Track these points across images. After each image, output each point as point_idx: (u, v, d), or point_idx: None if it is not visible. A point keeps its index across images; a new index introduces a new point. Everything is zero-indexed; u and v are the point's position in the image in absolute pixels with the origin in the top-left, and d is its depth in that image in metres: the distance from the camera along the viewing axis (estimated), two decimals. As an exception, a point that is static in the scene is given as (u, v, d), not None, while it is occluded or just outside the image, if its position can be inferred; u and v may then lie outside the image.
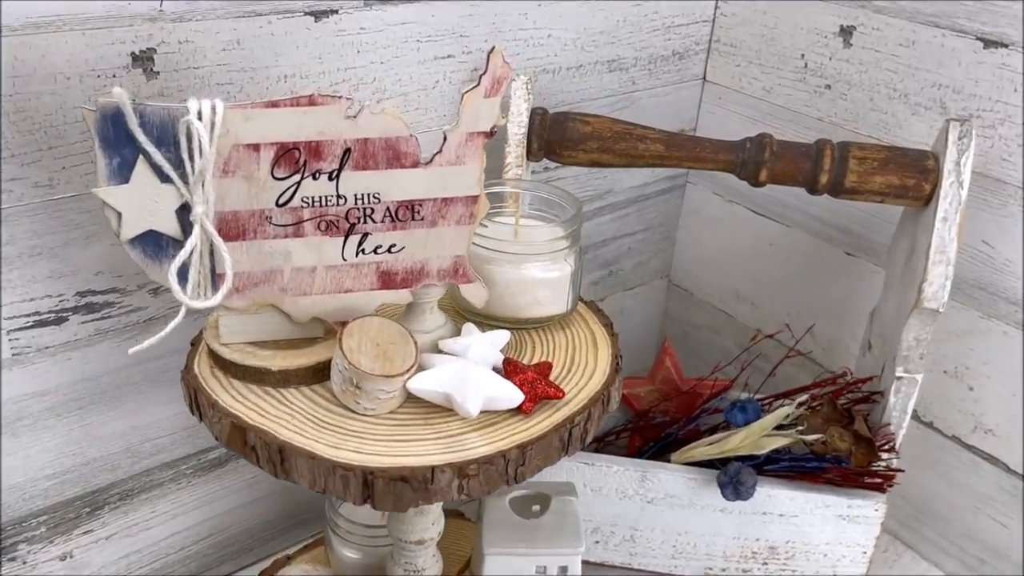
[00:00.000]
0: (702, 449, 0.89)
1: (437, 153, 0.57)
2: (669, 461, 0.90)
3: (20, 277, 0.68)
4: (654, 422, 0.96)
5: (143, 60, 0.67)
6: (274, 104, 0.53)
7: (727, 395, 0.96)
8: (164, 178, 0.54)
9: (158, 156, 0.52)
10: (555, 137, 0.81)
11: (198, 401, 0.59)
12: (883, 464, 0.84)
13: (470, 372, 0.57)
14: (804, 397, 0.86)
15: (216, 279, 0.57)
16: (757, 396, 0.92)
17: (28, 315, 0.69)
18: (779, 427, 0.86)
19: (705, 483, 0.87)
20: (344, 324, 0.59)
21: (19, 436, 0.73)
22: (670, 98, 1.06)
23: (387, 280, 0.61)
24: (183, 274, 0.56)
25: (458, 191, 0.59)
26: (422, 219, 0.59)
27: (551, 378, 0.62)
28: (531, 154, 0.83)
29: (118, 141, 0.52)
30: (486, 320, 0.67)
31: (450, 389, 0.57)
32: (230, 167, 0.54)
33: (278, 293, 0.59)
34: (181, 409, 0.81)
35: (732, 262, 1.12)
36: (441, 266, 0.61)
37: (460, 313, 0.69)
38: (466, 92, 0.56)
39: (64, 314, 0.71)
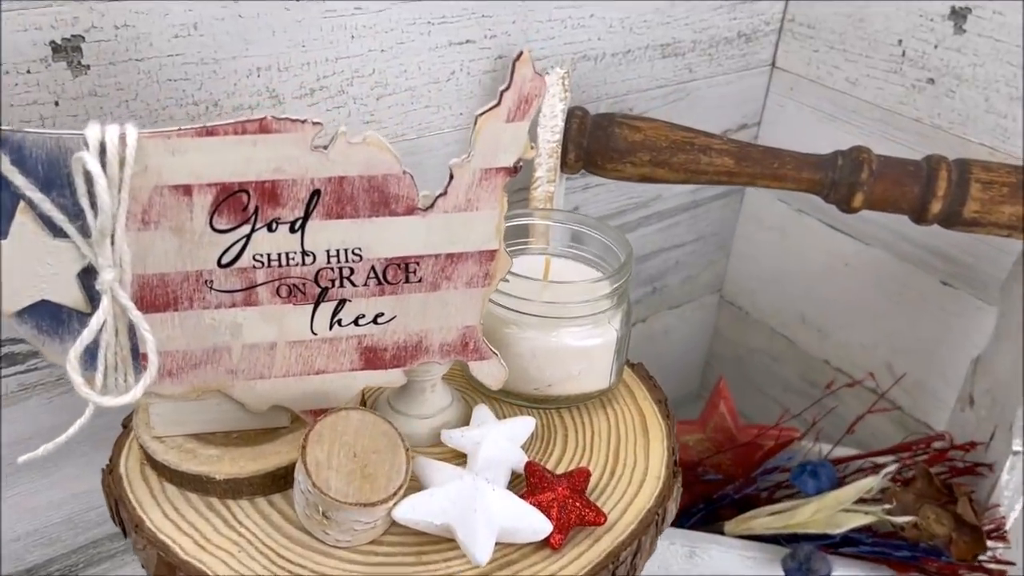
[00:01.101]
0: (764, 520, 0.74)
1: (441, 195, 0.42)
2: (722, 532, 0.75)
3: (-84, 326, 0.53)
4: (704, 479, 0.81)
5: (67, 51, 0.51)
6: (211, 131, 0.38)
7: (793, 449, 0.80)
8: (57, 231, 0.38)
9: (46, 204, 0.37)
10: (597, 146, 0.65)
11: (120, 515, 0.45)
12: (991, 555, 0.68)
13: (480, 495, 0.42)
14: (893, 467, 0.70)
15: (139, 360, 0.43)
16: (831, 454, 0.77)
17: (-70, 371, 0.55)
18: (860, 499, 0.71)
19: (767, 563, 0.72)
20: (316, 414, 0.45)
21: (-71, 511, 0.59)
22: (732, 88, 0.89)
23: (372, 358, 0.45)
24: (91, 357, 0.41)
25: (469, 245, 0.43)
26: (419, 281, 0.44)
27: (588, 489, 0.46)
28: (566, 165, 0.67)
29: (-10, 182, 0.37)
30: (504, 398, 0.52)
31: (452, 521, 0.42)
32: (151, 216, 0.39)
33: (225, 376, 0.44)
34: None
35: (798, 281, 0.95)
36: (445, 340, 0.46)
37: (472, 386, 0.53)
38: (481, 114, 0.41)
39: (-22, 368, 0.57)
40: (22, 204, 0.38)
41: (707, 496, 0.80)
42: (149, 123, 0.56)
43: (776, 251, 0.96)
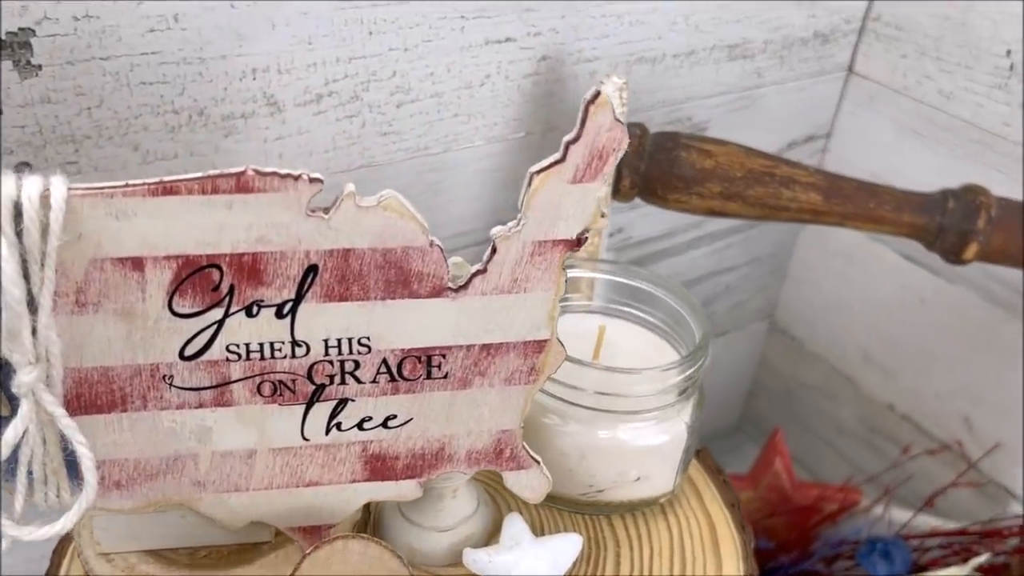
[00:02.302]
0: (825, 605, 0.64)
1: (479, 273, 0.31)
2: (776, 614, 0.65)
3: None
4: (756, 546, 0.71)
5: (13, 47, 0.41)
6: (169, 189, 0.28)
7: (857, 515, 0.70)
8: (-39, 317, 0.28)
9: (-61, 283, 0.27)
10: (658, 172, 0.54)
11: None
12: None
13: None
14: (984, 557, 0.60)
15: (77, 471, 0.33)
16: (903, 529, 0.67)
17: None
18: (940, 589, 0.61)
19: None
20: (307, 533, 0.35)
21: None
22: (802, 95, 0.77)
23: (380, 467, 0.35)
24: (10, 471, 0.31)
25: (511, 334, 0.33)
26: (445, 377, 0.33)
27: (649, 640, 0.37)
28: (619, 193, 0.56)
29: None
30: (544, 501, 0.42)
31: None
32: (88, 296, 0.29)
33: (190, 489, 0.34)
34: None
35: (863, 314, 0.85)
36: (474, 446, 0.36)
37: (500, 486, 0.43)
38: (539, 172, 0.30)
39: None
40: (-93, 282, 0.27)
41: (759, 566, 0.70)
42: (118, 135, 0.46)
43: (840, 279, 0.85)
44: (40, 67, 0.42)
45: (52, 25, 0.42)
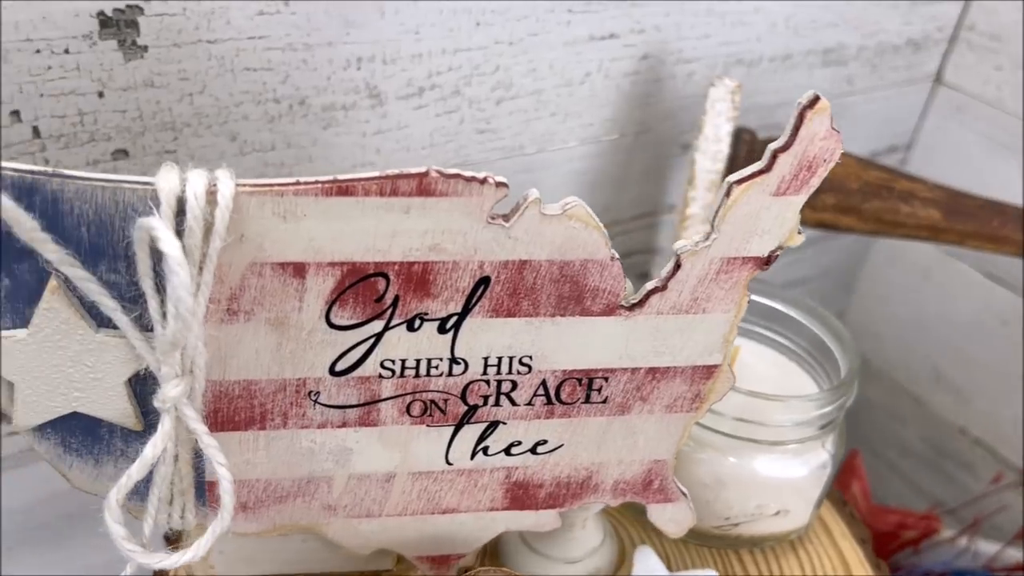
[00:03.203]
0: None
1: (657, 290, 0.29)
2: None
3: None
4: None
5: (119, 26, 0.38)
6: (345, 189, 0.25)
7: (938, 545, 0.67)
8: (103, 321, 0.26)
9: (89, 285, 0.24)
10: (768, 182, 0.51)
11: None
12: None
13: None
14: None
15: (205, 492, 0.30)
16: (992, 562, 0.64)
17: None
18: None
19: None
20: (436, 563, 0.32)
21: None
22: (888, 104, 0.75)
23: (521, 496, 0.33)
24: (138, 490, 0.28)
25: (681, 357, 0.30)
26: (604, 402, 0.31)
27: None
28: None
29: (6, 248, 0.24)
30: (670, 531, 0.39)
31: None
32: (242, 304, 0.26)
33: (320, 513, 0.32)
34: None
35: (937, 332, 0.82)
36: (623, 476, 0.33)
37: (622, 513, 0.41)
38: (739, 181, 0.27)
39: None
40: (53, 282, 0.24)
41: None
42: (217, 124, 0.43)
43: (915, 296, 0.82)
44: (146, 48, 0.39)
45: (161, 4, 0.39)
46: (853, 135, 0.74)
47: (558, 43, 0.52)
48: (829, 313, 0.40)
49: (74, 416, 0.27)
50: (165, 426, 0.26)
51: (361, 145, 0.48)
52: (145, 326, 0.26)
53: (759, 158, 0.51)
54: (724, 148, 0.52)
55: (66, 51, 0.38)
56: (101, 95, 0.39)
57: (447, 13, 0.47)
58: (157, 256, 0.24)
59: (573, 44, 0.52)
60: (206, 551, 0.28)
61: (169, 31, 0.39)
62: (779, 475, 0.37)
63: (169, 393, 0.26)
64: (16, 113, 0.38)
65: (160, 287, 0.25)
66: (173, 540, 0.33)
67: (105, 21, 0.38)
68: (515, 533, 0.38)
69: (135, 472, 0.26)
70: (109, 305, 0.25)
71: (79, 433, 0.28)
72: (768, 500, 0.38)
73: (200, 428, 0.27)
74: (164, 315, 0.25)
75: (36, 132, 0.39)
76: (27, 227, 0.22)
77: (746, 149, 0.52)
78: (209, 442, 0.27)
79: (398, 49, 0.46)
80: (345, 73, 0.45)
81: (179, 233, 0.24)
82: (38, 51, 0.37)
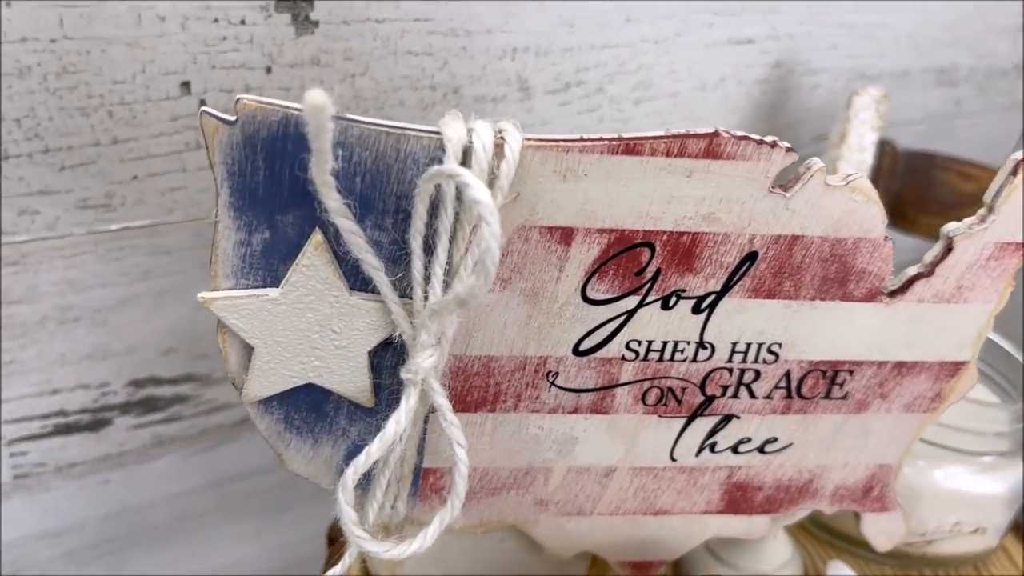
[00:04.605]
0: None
1: (922, 276, 0.27)
2: None
3: (39, 356, 0.39)
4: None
5: (295, -2, 0.37)
6: (632, 148, 0.23)
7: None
8: (361, 284, 0.24)
9: (358, 239, 0.22)
10: (912, 194, 0.50)
11: None
12: None
13: None
14: None
15: (419, 481, 0.28)
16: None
17: (45, 416, 0.40)
18: None
19: None
20: (637, 569, 0.30)
21: (16, 592, 0.44)
22: (990, 129, 0.73)
23: (738, 499, 0.30)
24: (367, 478, 0.26)
25: (930, 352, 0.28)
26: (843, 398, 0.29)
27: None
28: (861, 214, 0.51)
29: (270, 195, 0.22)
30: (844, 544, 0.37)
31: None
32: (501, 271, 0.24)
33: (531, 508, 0.29)
34: (268, 546, 0.52)
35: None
36: (844, 481, 0.31)
37: (803, 529, 0.38)
38: (1027, 160, 0.26)
39: (106, 414, 0.42)
40: (318, 236, 0.23)
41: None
42: (374, 108, 0.41)
43: None
44: (317, 24, 0.38)
45: (336, -21, 0.37)
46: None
47: (699, 44, 0.50)
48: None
49: (303, 390, 0.25)
50: (411, 400, 0.24)
51: (505, 139, 0.46)
52: (403, 292, 0.24)
53: (901, 171, 0.50)
54: (868, 158, 0.50)
55: (242, 22, 0.36)
56: (269, 71, 0.38)
57: (601, 7, 0.45)
58: (434, 215, 0.22)
59: (712, 47, 0.51)
60: (432, 541, 0.26)
61: (341, 7, 0.38)
62: (978, 491, 0.35)
63: (423, 363, 0.24)
64: (187, 85, 0.36)
65: (428, 245, 0.23)
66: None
67: (283, -10, 0.36)
68: (701, 544, 0.35)
69: (375, 450, 0.24)
70: (373, 264, 0.23)
71: (304, 409, 0.26)
72: (967, 517, 0.35)
73: (445, 404, 0.25)
74: (428, 278, 0.23)
75: (202, 105, 0.37)
76: (325, 163, 0.20)
77: (888, 161, 0.50)
78: (452, 420, 0.25)
79: (552, 41, 0.45)
80: (500, 63, 0.44)
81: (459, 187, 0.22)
82: (216, 20, 0.35)
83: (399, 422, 0.24)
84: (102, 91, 0.34)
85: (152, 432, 0.44)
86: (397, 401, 0.24)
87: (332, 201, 0.21)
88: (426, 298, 0.23)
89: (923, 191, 0.50)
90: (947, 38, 0.63)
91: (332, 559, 0.34)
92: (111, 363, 0.41)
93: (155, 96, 0.36)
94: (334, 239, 0.23)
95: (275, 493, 0.50)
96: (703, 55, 0.51)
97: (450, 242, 0.23)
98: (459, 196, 0.22)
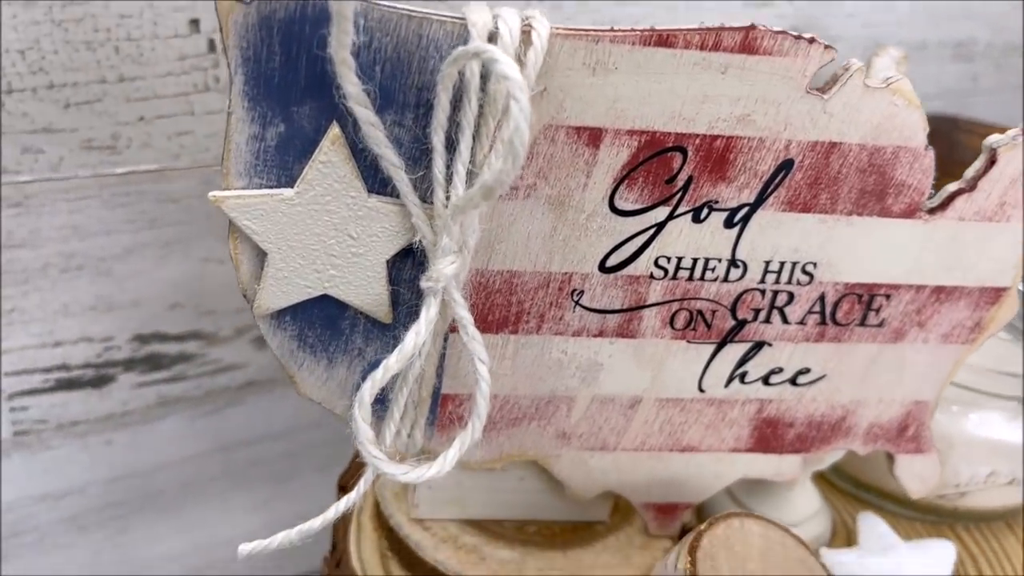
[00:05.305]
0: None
1: (963, 191, 0.26)
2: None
3: (41, 305, 0.38)
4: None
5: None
6: (664, 39, 0.22)
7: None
8: (380, 187, 0.22)
9: (377, 134, 0.21)
10: (935, 155, 0.49)
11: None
12: None
13: None
14: None
15: (438, 408, 0.26)
16: None
17: (47, 370, 0.39)
18: None
19: None
20: (662, 512, 0.28)
21: (18, 557, 0.43)
22: (1006, 109, 0.72)
23: (769, 436, 0.29)
24: (382, 399, 0.25)
25: (970, 276, 0.27)
26: (879, 325, 0.27)
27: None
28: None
29: (286, 83, 0.21)
30: (872, 497, 0.36)
31: None
32: (525, 176, 0.23)
33: (552, 442, 0.28)
34: (272, 518, 0.50)
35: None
36: (879, 418, 0.30)
37: (831, 485, 0.37)
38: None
39: (110, 370, 0.41)
40: (335, 130, 0.21)
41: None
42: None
43: None
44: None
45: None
46: (968, 139, 0.72)
47: (713, 6, 0.49)
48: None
49: (318, 303, 0.24)
50: (430, 311, 0.23)
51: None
52: (423, 195, 0.23)
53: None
54: (888, 119, 0.49)
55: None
56: (280, 10, 0.37)
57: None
58: (457, 107, 0.21)
59: (727, 8, 0.50)
60: (452, 465, 0.25)
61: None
62: (1015, 439, 0.34)
63: (444, 270, 0.22)
64: (196, 22, 0.35)
65: (450, 143, 0.22)
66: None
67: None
68: (724, 492, 0.34)
69: (393, 362, 0.23)
70: (392, 160, 0.22)
71: (319, 325, 0.24)
72: (1001, 467, 0.34)
73: (467, 316, 0.23)
74: (449, 178, 0.22)
75: (211, 46, 0.36)
76: (346, 35, 0.19)
77: (910, 122, 0.49)
78: (474, 334, 0.24)
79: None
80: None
81: (483, 77, 0.21)
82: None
83: (419, 333, 0.23)
84: (108, 24, 0.34)
85: (156, 391, 0.43)
86: (416, 318, 0.23)
87: (351, 85, 0.20)
88: (448, 201, 0.22)
89: (946, 153, 0.49)
90: (961, 11, 0.62)
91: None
92: (115, 316, 0.40)
93: (163, 33, 0.35)
94: (353, 134, 0.22)
95: (283, 462, 0.49)
96: (717, 18, 0.50)
97: (473, 139, 0.22)
98: (483, 87, 0.21)
